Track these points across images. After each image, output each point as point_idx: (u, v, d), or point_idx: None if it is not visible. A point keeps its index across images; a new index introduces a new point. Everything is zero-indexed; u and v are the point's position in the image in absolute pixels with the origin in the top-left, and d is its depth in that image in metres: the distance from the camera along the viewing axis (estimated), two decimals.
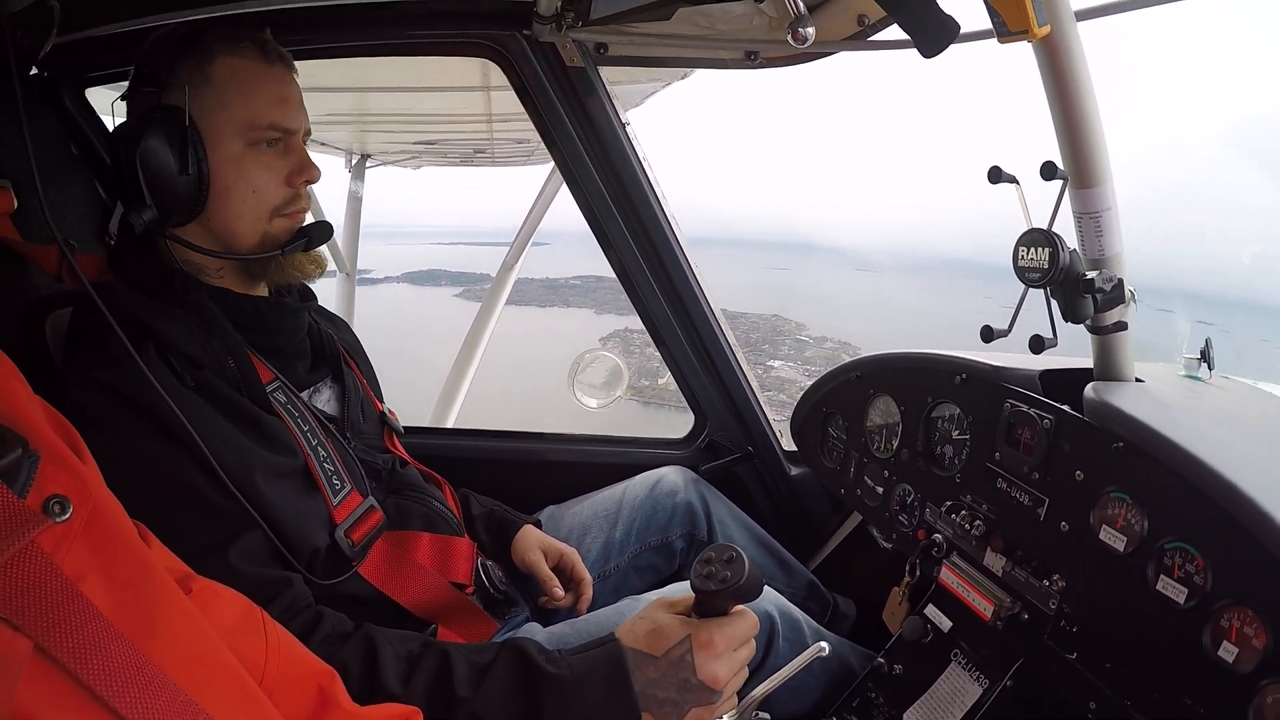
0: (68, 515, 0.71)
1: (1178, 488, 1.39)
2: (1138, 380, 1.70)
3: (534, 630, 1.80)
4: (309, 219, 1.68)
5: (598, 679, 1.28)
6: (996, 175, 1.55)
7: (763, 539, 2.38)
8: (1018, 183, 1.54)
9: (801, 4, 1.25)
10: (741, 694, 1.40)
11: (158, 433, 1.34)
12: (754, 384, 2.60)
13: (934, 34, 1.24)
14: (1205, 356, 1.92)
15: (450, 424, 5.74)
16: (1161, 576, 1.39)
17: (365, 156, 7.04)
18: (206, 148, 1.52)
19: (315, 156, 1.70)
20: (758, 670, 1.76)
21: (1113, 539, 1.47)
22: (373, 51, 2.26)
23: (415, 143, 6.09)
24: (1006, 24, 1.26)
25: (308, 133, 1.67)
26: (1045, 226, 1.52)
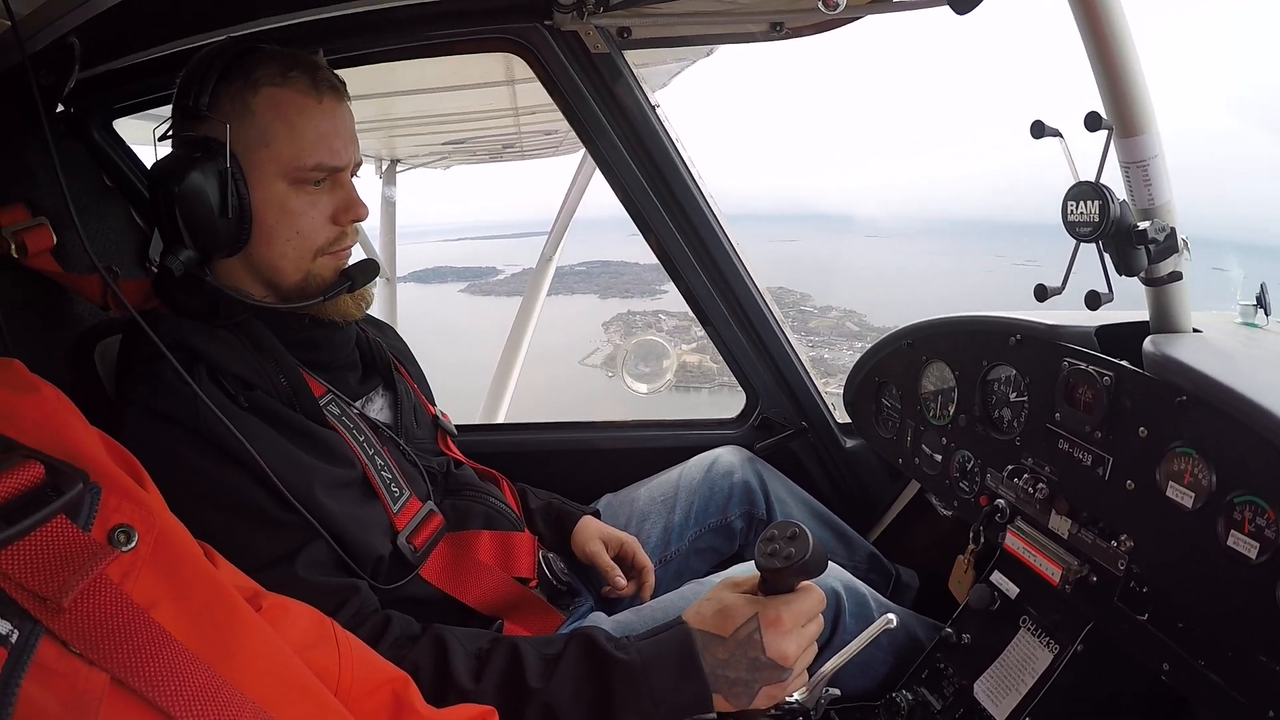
0: (134, 544, 0.73)
1: (1244, 439, 1.36)
2: (1195, 331, 1.67)
3: (599, 619, 1.82)
4: (353, 257, 1.65)
5: (668, 662, 1.30)
6: (1040, 130, 1.52)
7: (821, 514, 2.38)
8: (1061, 136, 1.51)
9: None
10: (811, 670, 1.41)
11: (217, 455, 1.37)
12: (804, 359, 2.59)
13: None
14: (1261, 302, 1.87)
15: (501, 419, 5.80)
16: (1232, 532, 1.36)
17: (395, 161, 7.05)
18: (249, 185, 1.48)
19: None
20: (826, 646, 1.76)
21: (1180, 495, 1.45)
22: (395, 56, 2.23)
23: (444, 143, 6.10)
24: None
25: (358, 164, 1.62)
26: (1093, 179, 1.50)
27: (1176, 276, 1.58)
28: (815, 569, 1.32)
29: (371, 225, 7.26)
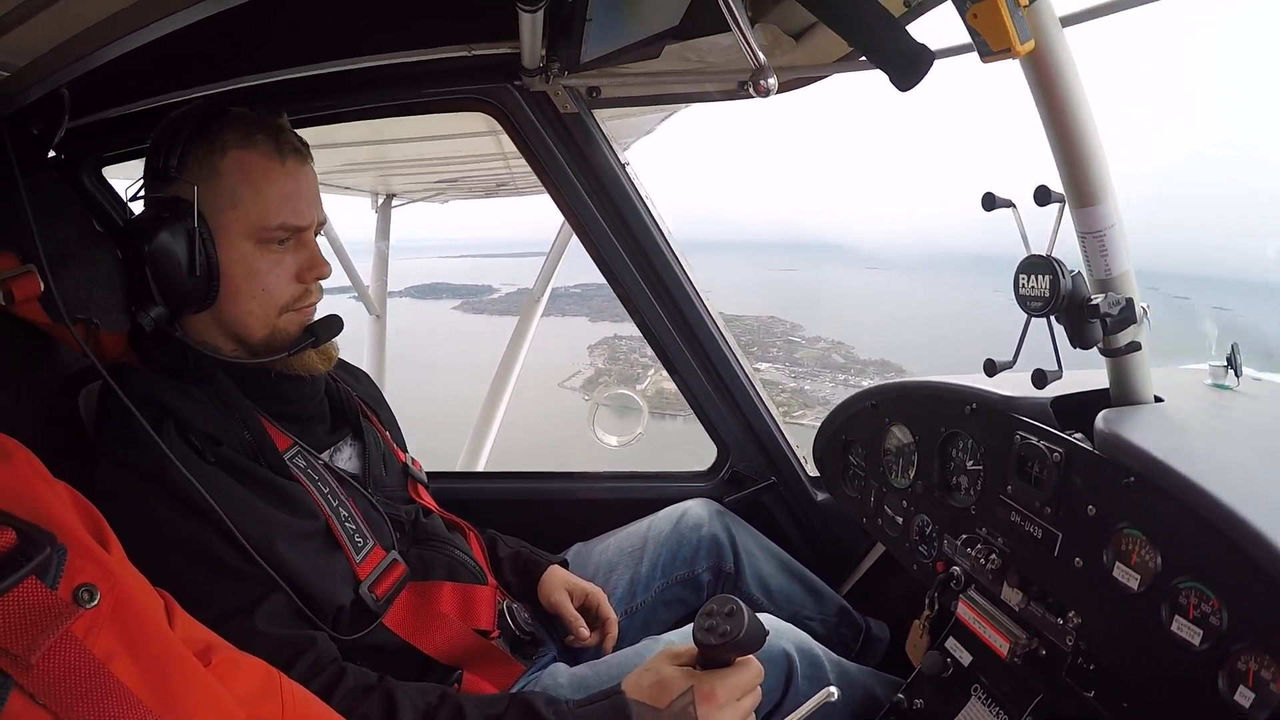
0: (96, 601, 0.78)
1: (1190, 524, 1.31)
2: (1157, 399, 1.62)
3: (559, 671, 1.78)
4: (317, 313, 1.66)
5: None
6: (991, 202, 1.49)
7: (791, 567, 2.32)
8: (1014, 206, 1.48)
9: (761, 55, 1.20)
10: None
11: (182, 508, 1.37)
12: (775, 412, 2.54)
13: (907, 66, 1.17)
14: (1232, 363, 1.82)
15: (481, 466, 5.72)
16: (1176, 617, 1.31)
17: (391, 196, 7.07)
18: (216, 245, 1.49)
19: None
20: (776, 709, 1.73)
21: (1126, 577, 1.40)
22: (372, 114, 2.21)
23: (437, 181, 6.08)
24: (988, 44, 1.20)
25: (322, 222, 1.63)
26: (1044, 252, 1.46)
27: (1135, 347, 1.52)
28: (750, 645, 1.32)
29: (364, 265, 7.26)
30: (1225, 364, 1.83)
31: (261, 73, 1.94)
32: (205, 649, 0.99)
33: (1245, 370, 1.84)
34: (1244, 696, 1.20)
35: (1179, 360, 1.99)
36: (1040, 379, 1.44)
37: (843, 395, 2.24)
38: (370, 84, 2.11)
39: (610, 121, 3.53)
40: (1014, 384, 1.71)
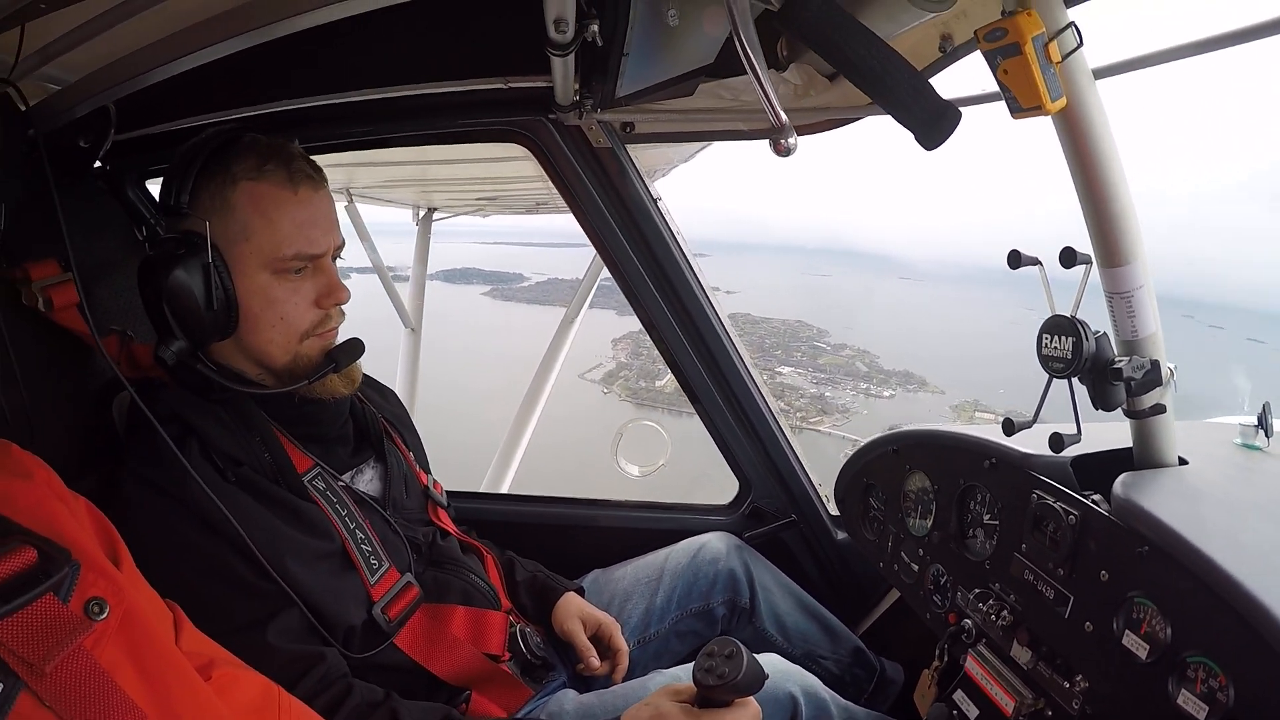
0: (105, 615, 0.82)
1: (1201, 597, 1.25)
2: (1181, 461, 1.57)
3: (566, 697, 1.78)
4: (339, 337, 1.65)
5: None
6: (1016, 260, 1.46)
7: (808, 605, 2.28)
8: (1039, 264, 1.45)
9: (784, 115, 1.17)
10: None
11: (201, 525, 1.39)
12: (797, 449, 2.51)
13: (932, 124, 1.12)
14: (1262, 423, 1.75)
15: (505, 487, 5.69)
16: (1183, 690, 1.26)
17: (432, 210, 7.02)
18: (233, 277, 1.49)
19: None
20: None
21: (1135, 646, 1.35)
22: (409, 142, 2.21)
23: (477, 199, 6.07)
24: (1019, 100, 1.18)
25: (340, 246, 1.62)
26: (1069, 313, 1.42)
27: (1160, 410, 1.48)
28: (748, 688, 1.31)
29: (402, 281, 7.21)
30: (1256, 424, 1.76)
31: (302, 97, 1.95)
32: (208, 664, 1.02)
33: (1277, 428, 1.77)
34: None
35: (1209, 396, 1.92)
36: (1057, 443, 1.40)
37: (862, 403, 2.20)
38: (409, 112, 2.11)
39: (649, 150, 3.55)
40: (1038, 440, 1.67)
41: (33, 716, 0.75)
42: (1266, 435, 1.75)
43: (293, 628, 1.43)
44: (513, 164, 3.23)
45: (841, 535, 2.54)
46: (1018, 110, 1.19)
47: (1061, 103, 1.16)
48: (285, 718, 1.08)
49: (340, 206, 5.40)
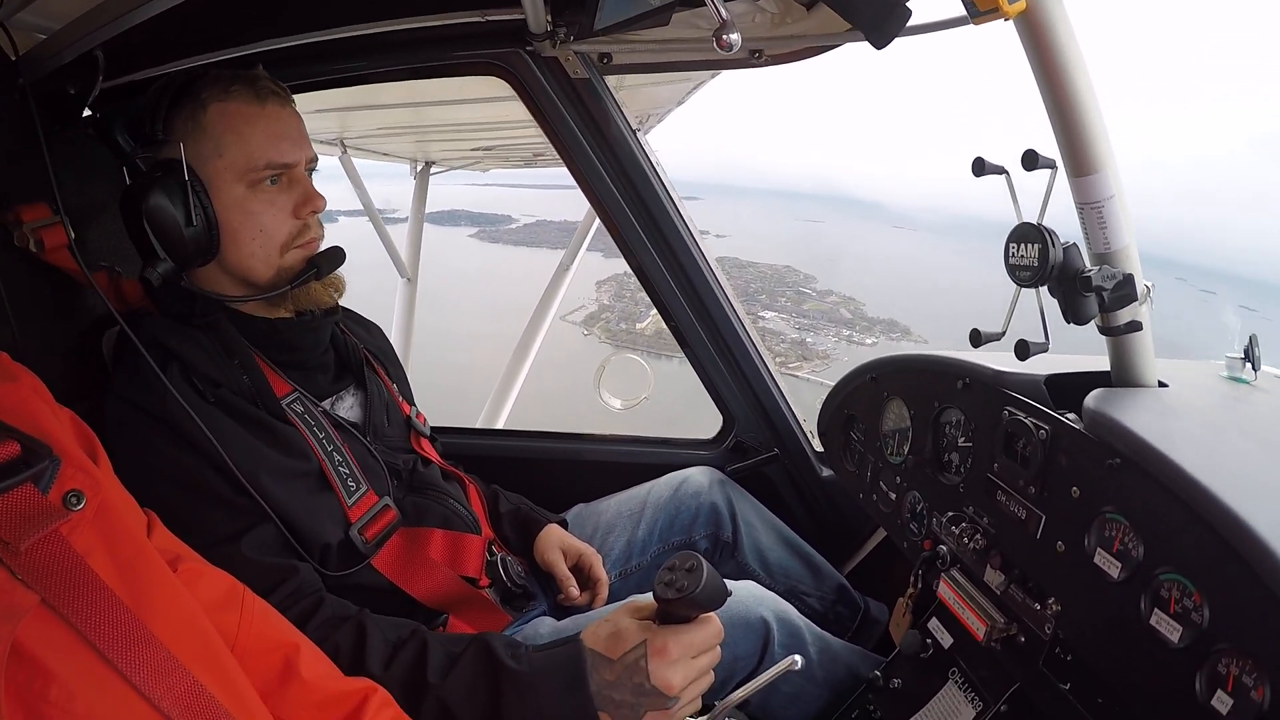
0: (81, 505, 0.84)
1: (1175, 512, 1.15)
2: (1161, 385, 1.45)
3: (542, 623, 1.74)
4: (321, 245, 1.63)
5: (556, 676, 1.25)
6: (981, 167, 1.34)
7: (792, 541, 2.19)
8: (1006, 173, 1.32)
9: (724, 11, 1.09)
10: (716, 700, 1.32)
11: (181, 443, 1.40)
12: (781, 385, 2.40)
13: (881, 22, 1.07)
14: (1249, 355, 1.62)
15: (500, 425, 5.59)
16: (1156, 610, 1.16)
17: (429, 164, 6.89)
18: (210, 195, 1.49)
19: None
20: (751, 676, 1.61)
21: (1107, 564, 1.24)
22: (385, 77, 2.15)
23: (473, 150, 5.92)
24: (975, 3, 1.09)
25: (312, 160, 1.61)
26: (1035, 220, 1.30)
27: (1135, 327, 1.37)
28: (707, 602, 1.22)
29: (399, 229, 7.10)
30: (1243, 356, 1.64)
31: (284, 36, 1.91)
32: (175, 558, 1.02)
33: (1266, 367, 1.65)
34: (1222, 702, 1.05)
35: (1199, 357, 1.79)
36: (1023, 350, 1.28)
37: (843, 350, 2.08)
38: (388, 48, 2.05)
39: (640, 93, 3.41)
40: (1014, 361, 1.55)
41: (7, 589, 0.76)
42: (1254, 368, 1.63)
43: (267, 541, 1.42)
44: (505, 105, 3.10)
45: (827, 472, 2.44)
46: (976, 15, 1.10)
47: (1020, 5, 1.06)
48: (247, 616, 1.07)
49: (335, 158, 5.31)
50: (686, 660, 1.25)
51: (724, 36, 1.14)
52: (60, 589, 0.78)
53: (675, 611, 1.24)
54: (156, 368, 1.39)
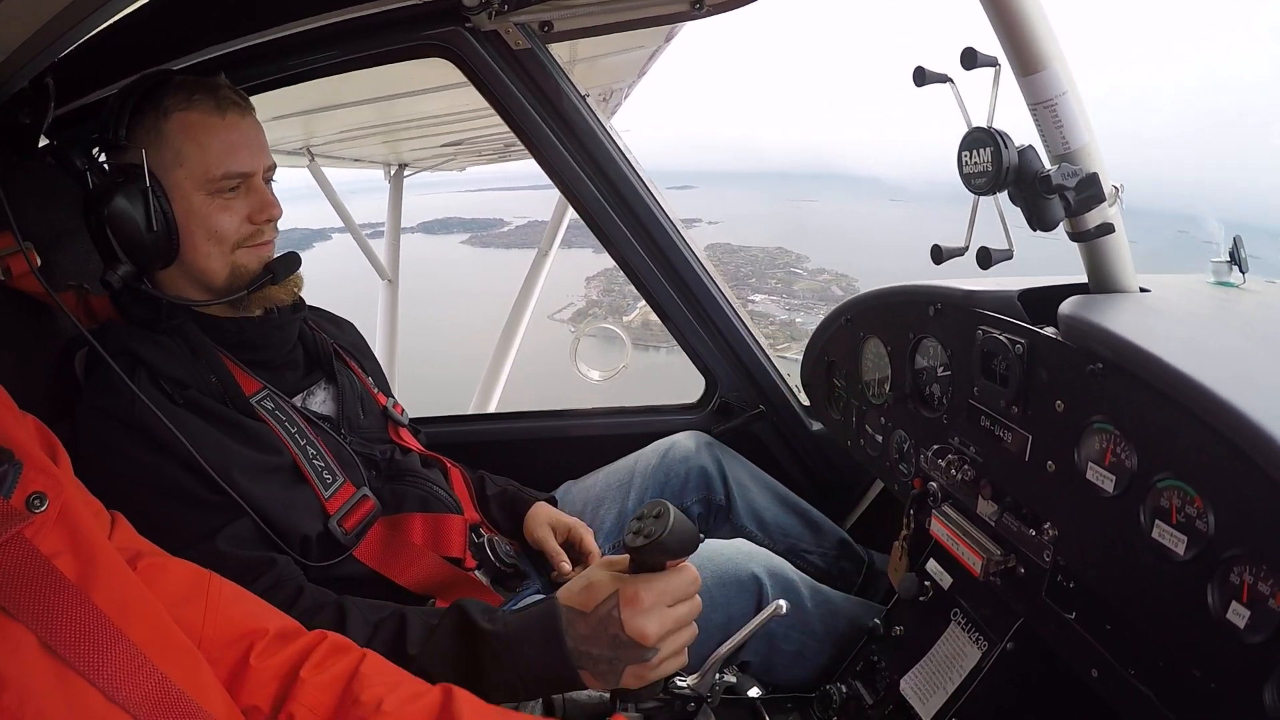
0: (44, 507, 0.81)
1: (1167, 413, 1.01)
2: (1143, 291, 1.30)
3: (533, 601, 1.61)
4: (275, 251, 1.60)
5: (532, 635, 1.18)
6: (922, 77, 1.20)
7: (787, 499, 2.07)
8: (950, 81, 1.18)
9: None
10: (706, 655, 1.25)
11: (151, 446, 1.36)
12: (761, 341, 2.27)
13: None
14: (1235, 257, 1.48)
15: (491, 410, 5.40)
16: (1157, 522, 1.02)
17: (403, 166, 6.75)
18: (170, 201, 1.46)
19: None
20: None
21: (1100, 479, 1.10)
22: (333, 70, 2.02)
23: (443, 145, 5.75)
24: None
25: (270, 168, 1.58)
26: (984, 123, 1.16)
27: (1107, 229, 1.24)
28: (676, 548, 1.13)
29: (378, 233, 7.02)
30: (1228, 260, 1.49)
31: (225, 42, 1.84)
32: (135, 555, 0.99)
33: (1257, 275, 1.51)
34: (1238, 614, 0.91)
35: None
36: (985, 257, 1.14)
37: None
38: (331, 40, 1.94)
39: (597, 67, 3.27)
40: (987, 281, 1.40)
41: None
42: (1241, 271, 1.49)
43: (243, 536, 1.39)
44: (466, 92, 2.98)
45: (816, 426, 2.30)
46: None
47: None
48: (212, 605, 1.02)
49: (304, 166, 5.20)
50: (661, 608, 1.16)
51: None
52: (22, 593, 0.76)
53: (646, 560, 1.16)
54: (123, 374, 1.36)
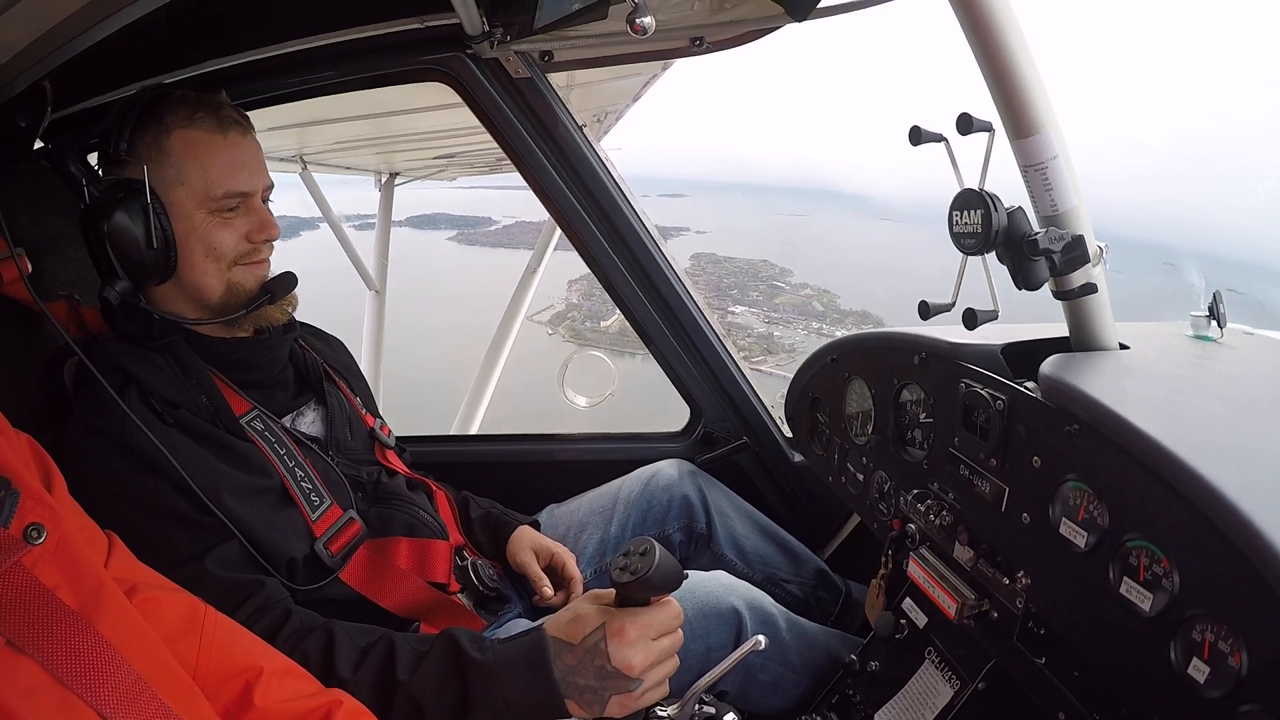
0: (43, 539, 0.81)
1: (1137, 476, 1.06)
2: (1123, 347, 1.36)
3: (518, 626, 1.68)
4: (272, 270, 1.60)
5: (520, 665, 1.22)
6: (918, 136, 1.24)
7: (767, 529, 2.10)
8: (944, 140, 1.23)
9: None
10: (685, 686, 1.27)
11: (140, 466, 1.35)
12: (747, 373, 2.30)
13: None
14: (1214, 312, 1.53)
15: (474, 430, 5.44)
16: (1125, 579, 1.06)
17: (394, 175, 6.70)
18: (170, 218, 1.46)
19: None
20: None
21: (1073, 534, 1.15)
22: (333, 89, 2.05)
23: (436, 157, 5.74)
24: None
25: (269, 188, 1.58)
26: (977, 186, 1.21)
27: (1090, 289, 1.27)
28: (661, 584, 1.19)
29: (366, 241, 6.91)
30: (1207, 314, 1.54)
31: (227, 55, 1.84)
32: (131, 588, 0.98)
33: (1235, 325, 1.56)
34: (1198, 670, 0.96)
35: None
36: (970, 319, 1.19)
37: (812, 343, 1.97)
38: (332, 60, 1.96)
39: (592, 93, 3.31)
40: (973, 334, 1.45)
41: None
42: (1220, 325, 1.55)
43: (231, 558, 1.38)
44: (462, 111, 3.00)
45: (798, 458, 2.34)
46: None
47: None
48: (207, 641, 1.03)
49: (295, 174, 5.18)
50: (646, 641, 1.22)
51: (637, 21, 1.10)
52: (23, 622, 0.76)
53: (632, 595, 1.22)
54: (114, 392, 1.34)
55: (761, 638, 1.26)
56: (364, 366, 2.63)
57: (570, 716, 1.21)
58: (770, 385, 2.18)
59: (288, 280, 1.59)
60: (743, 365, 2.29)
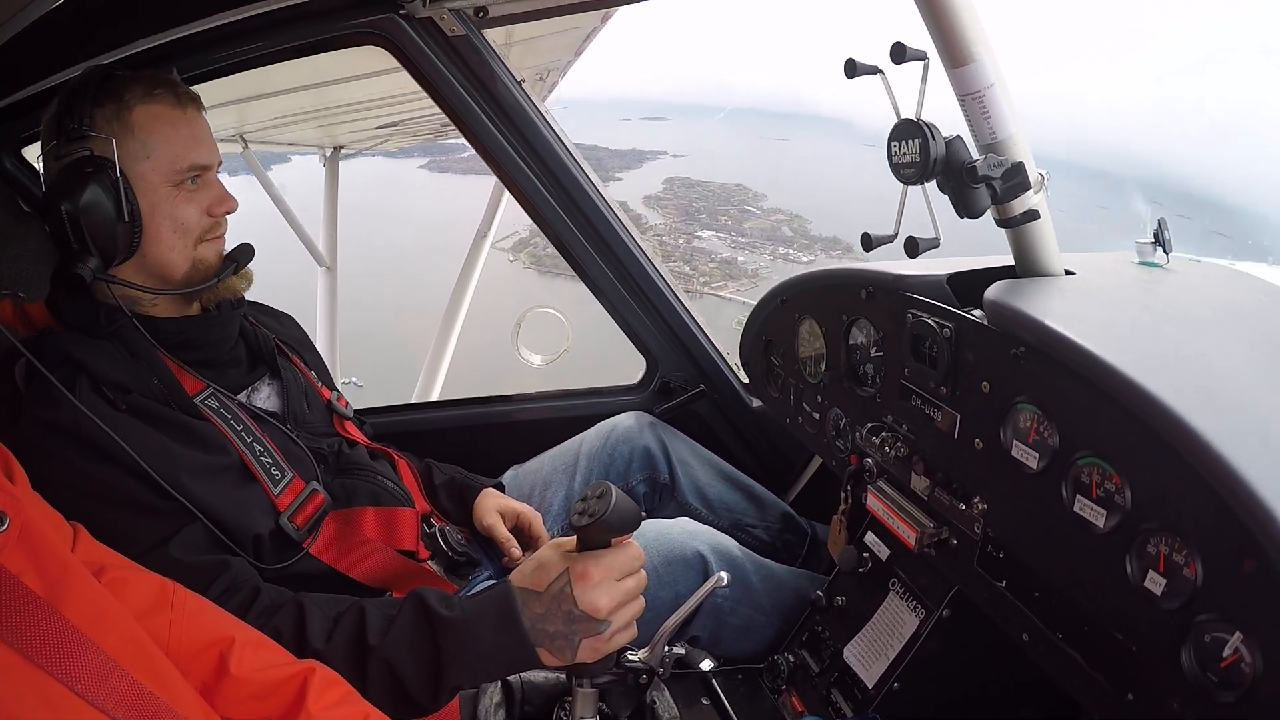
0: (5, 526, 0.80)
1: (1085, 395, 1.05)
2: (1069, 273, 1.33)
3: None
4: (228, 244, 1.58)
5: (489, 618, 1.19)
6: (853, 69, 1.19)
7: (730, 475, 2.08)
8: (881, 73, 1.18)
9: None
10: (654, 629, 1.28)
11: (96, 455, 1.32)
12: (700, 321, 2.27)
13: None
14: (1159, 239, 1.51)
15: (434, 397, 5.25)
16: (1079, 497, 1.05)
17: (338, 149, 6.43)
18: (136, 193, 1.43)
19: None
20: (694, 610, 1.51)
21: (1025, 455, 1.13)
22: (268, 59, 1.94)
23: (379, 127, 5.53)
24: None
25: (220, 163, 1.58)
26: (913, 115, 1.17)
27: (1032, 216, 1.26)
28: (619, 525, 1.17)
29: (315, 217, 6.70)
30: (1153, 240, 1.53)
31: (156, 34, 1.75)
32: (100, 569, 0.98)
33: (1182, 253, 1.55)
34: (1155, 583, 0.95)
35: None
36: (912, 247, 1.16)
37: (776, 269, 1.92)
38: (261, 30, 1.86)
39: (534, 44, 3.18)
40: (918, 265, 1.41)
41: None
42: (1165, 251, 1.53)
43: (196, 541, 1.36)
44: (401, 76, 2.88)
45: (756, 403, 2.32)
46: None
47: None
48: (178, 616, 1.01)
49: (236, 152, 4.99)
50: (610, 582, 1.19)
51: None
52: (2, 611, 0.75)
53: (592, 538, 1.19)
54: (60, 385, 1.30)
55: (724, 574, 1.26)
56: (319, 343, 2.54)
57: (544, 666, 1.19)
58: (729, 311, 2.13)
59: (248, 250, 1.58)
60: (695, 311, 2.24)
